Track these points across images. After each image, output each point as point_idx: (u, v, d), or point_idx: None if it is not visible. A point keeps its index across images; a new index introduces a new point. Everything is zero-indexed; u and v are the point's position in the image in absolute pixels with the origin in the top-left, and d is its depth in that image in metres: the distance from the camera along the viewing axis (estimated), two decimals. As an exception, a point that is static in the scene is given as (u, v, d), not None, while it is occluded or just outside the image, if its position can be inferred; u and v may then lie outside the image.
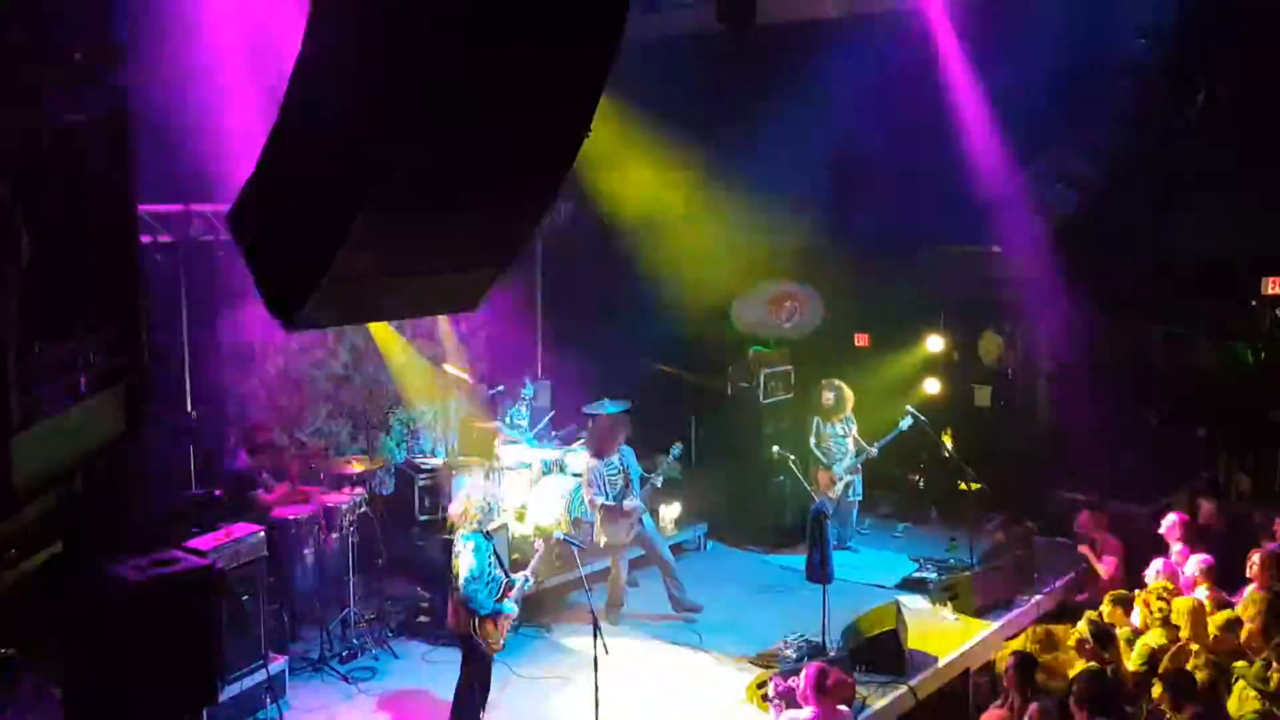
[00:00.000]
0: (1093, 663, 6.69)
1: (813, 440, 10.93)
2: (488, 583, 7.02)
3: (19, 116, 4.36)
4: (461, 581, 6.91)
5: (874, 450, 10.83)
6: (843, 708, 6.43)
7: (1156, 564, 7.99)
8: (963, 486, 10.82)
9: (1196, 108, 10.95)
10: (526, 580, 7.42)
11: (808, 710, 6.33)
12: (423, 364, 12.04)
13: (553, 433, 11.64)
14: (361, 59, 3.01)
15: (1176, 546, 8.43)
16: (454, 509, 7.24)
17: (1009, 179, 11.34)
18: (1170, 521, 8.50)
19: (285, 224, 3.33)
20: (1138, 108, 10.40)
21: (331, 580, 8.91)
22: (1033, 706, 6.10)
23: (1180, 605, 7.11)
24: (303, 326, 3.51)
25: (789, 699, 6.87)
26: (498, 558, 7.19)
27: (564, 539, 7.85)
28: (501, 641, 7.18)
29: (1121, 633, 7.14)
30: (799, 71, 11.57)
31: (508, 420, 11.18)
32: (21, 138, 4.33)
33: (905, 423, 10.62)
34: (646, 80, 9.07)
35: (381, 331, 11.30)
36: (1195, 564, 7.75)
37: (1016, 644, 7.21)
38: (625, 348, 12.96)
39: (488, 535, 7.13)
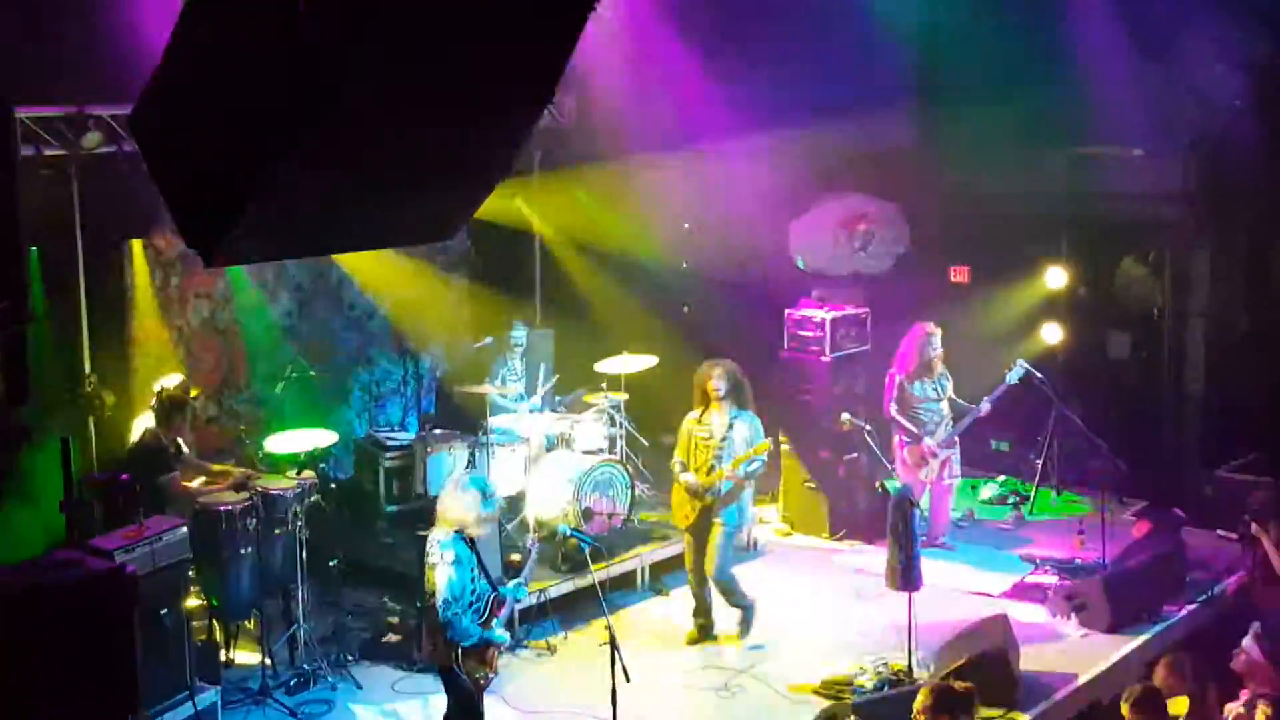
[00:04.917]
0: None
1: (894, 406, 10.90)
2: (471, 603, 7.04)
3: None
4: (439, 602, 6.92)
5: (984, 408, 10.68)
6: None
7: None
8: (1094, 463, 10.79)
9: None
10: (520, 589, 7.45)
11: None
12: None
13: (558, 398, 11.68)
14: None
15: None
16: (448, 504, 7.20)
17: (1158, 57, 11.18)
18: None
19: (204, 129, 3.31)
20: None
21: (275, 589, 9.01)
22: None
23: None
24: (228, 262, 3.52)
25: None
26: (482, 566, 7.21)
27: (572, 534, 7.88)
28: (492, 675, 7.21)
29: None
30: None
31: (499, 381, 11.22)
32: None
33: (1014, 374, 10.53)
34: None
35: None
36: None
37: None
38: (649, 289, 12.94)
39: (471, 541, 7.15)
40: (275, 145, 3.13)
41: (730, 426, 9.10)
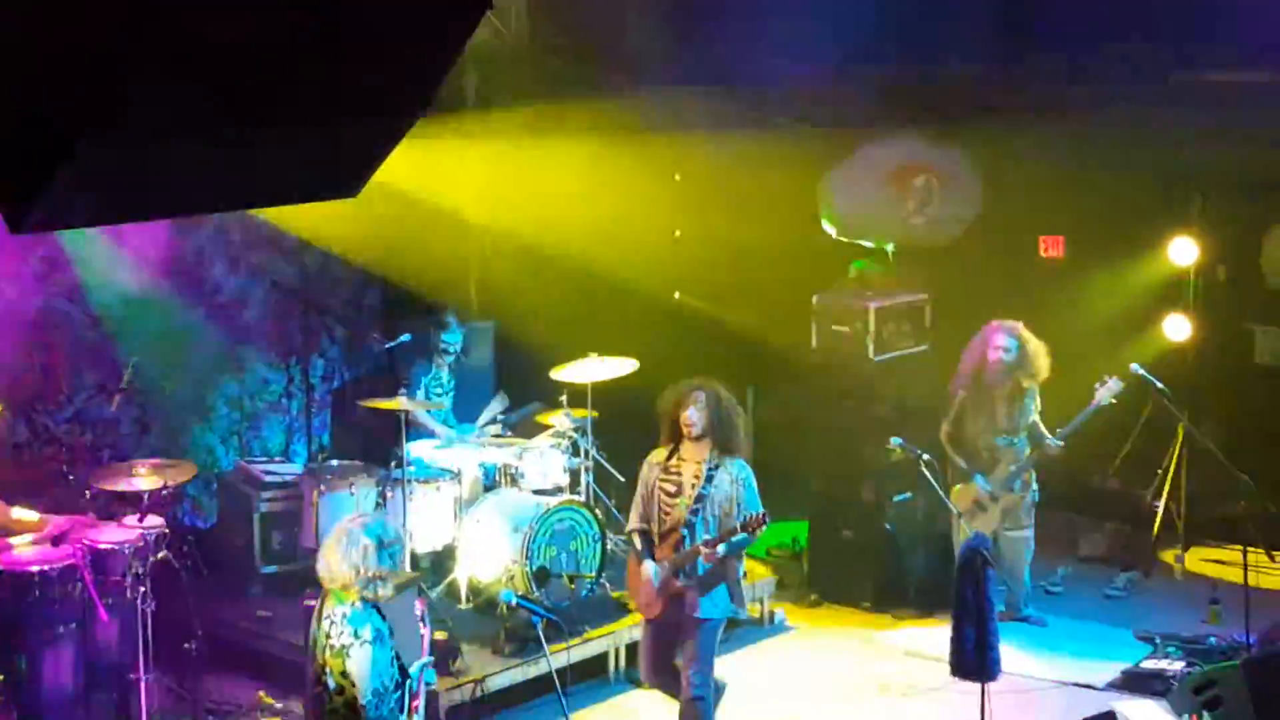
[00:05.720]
0: None
1: (945, 428, 10.90)
2: (394, 691, 7.09)
3: None
4: (365, 696, 6.93)
5: (1052, 445, 10.70)
6: None
7: None
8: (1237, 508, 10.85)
9: None
10: (430, 671, 7.47)
11: None
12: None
13: (500, 416, 11.69)
14: None
15: None
16: (328, 561, 7.22)
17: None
18: None
19: (13, 46, 3.35)
20: None
21: (109, 678, 9.00)
22: None
23: None
24: (44, 227, 3.54)
25: None
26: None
27: (520, 604, 7.91)
28: None
29: None
30: None
31: (420, 394, 11.23)
32: None
33: (1108, 389, 10.48)
34: None
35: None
36: None
37: None
38: (626, 269, 12.95)
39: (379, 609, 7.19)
40: (113, 66, 3.16)
41: (708, 479, 8.57)
